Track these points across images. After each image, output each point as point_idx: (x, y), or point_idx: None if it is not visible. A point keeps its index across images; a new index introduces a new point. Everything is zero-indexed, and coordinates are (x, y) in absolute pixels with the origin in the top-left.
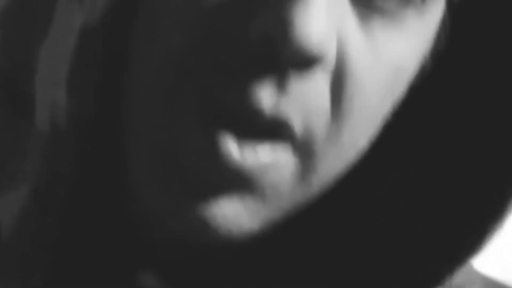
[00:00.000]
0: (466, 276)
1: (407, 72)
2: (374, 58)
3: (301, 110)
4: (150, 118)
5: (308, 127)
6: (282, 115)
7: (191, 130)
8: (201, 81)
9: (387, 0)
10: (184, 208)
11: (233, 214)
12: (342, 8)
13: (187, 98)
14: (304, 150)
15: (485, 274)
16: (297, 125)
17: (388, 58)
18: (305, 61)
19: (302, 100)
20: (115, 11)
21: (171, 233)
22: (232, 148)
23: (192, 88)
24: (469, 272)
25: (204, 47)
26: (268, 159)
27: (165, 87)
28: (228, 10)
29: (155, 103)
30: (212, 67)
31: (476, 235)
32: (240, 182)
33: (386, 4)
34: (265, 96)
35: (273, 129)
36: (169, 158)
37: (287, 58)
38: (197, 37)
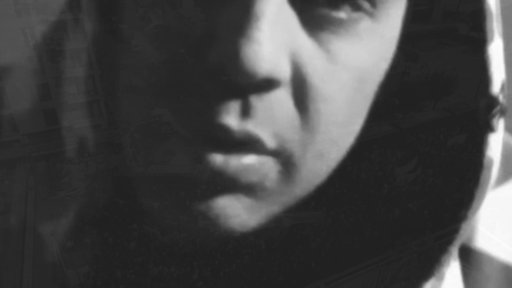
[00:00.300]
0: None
1: (371, 71)
2: (331, 64)
3: (268, 123)
4: (142, 145)
5: (279, 136)
6: (250, 131)
7: (182, 153)
8: (176, 106)
9: (336, 10)
10: (185, 211)
11: (228, 205)
12: (291, 25)
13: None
14: (282, 154)
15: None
16: (267, 137)
17: (346, 62)
18: (259, 86)
19: (267, 115)
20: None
21: (185, 234)
22: (215, 155)
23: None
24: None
25: (175, 77)
26: (250, 161)
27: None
28: (191, 43)
29: (146, 131)
30: (183, 93)
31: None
32: (226, 182)
33: (335, 13)
34: (230, 117)
35: (247, 142)
36: (166, 179)
37: (243, 85)
38: (166, 71)
